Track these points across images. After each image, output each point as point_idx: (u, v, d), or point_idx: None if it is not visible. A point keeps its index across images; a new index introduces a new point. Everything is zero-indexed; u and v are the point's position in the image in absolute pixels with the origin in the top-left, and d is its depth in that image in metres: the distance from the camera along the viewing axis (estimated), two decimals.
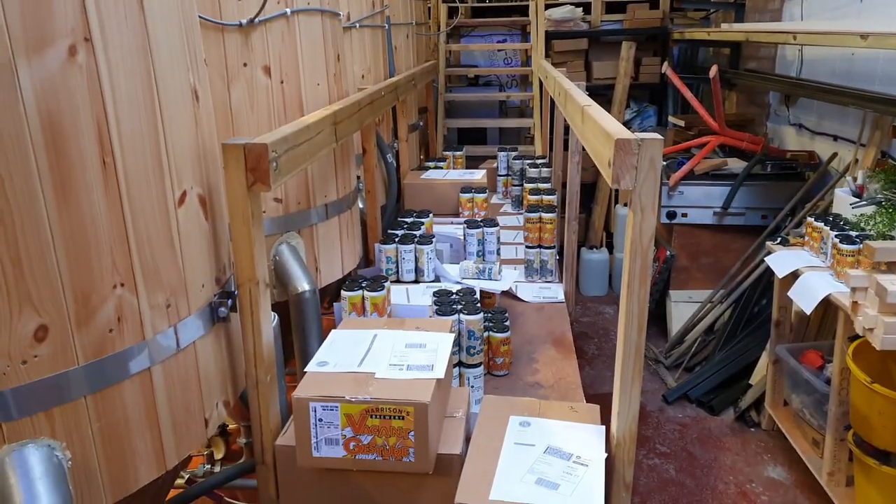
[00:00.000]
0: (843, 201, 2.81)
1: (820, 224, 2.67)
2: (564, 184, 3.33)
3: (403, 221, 2.91)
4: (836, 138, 3.71)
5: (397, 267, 2.58)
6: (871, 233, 2.46)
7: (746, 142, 4.05)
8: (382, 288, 2.12)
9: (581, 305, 4.86)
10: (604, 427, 1.60)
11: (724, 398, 3.43)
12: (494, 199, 4.26)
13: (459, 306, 2.09)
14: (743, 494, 2.77)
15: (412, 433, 1.51)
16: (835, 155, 3.63)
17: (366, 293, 2.10)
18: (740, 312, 3.66)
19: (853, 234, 2.48)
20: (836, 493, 2.48)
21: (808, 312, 2.45)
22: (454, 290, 2.25)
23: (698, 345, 3.81)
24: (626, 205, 4.96)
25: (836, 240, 2.46)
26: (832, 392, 2.47)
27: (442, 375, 1.60)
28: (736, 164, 3.99)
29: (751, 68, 4.61)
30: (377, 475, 1.57)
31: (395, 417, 1.52)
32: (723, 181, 3.88)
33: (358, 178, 2.63)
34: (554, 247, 2.99)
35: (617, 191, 5.16)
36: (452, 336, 1.76)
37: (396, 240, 2.59)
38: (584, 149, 2.05)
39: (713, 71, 3.71)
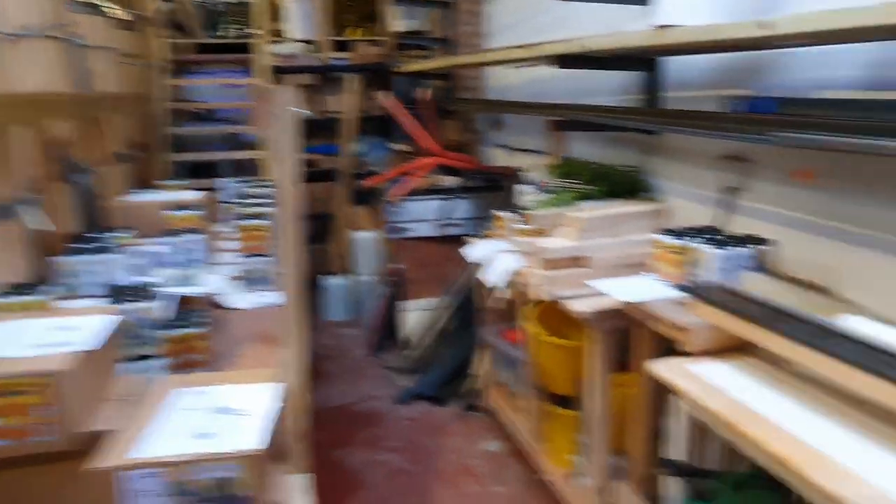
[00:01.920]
0: (525, 194, 3.18)
1: (503, 213, 2.98)
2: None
3: (94, 237, 2.66)
4: (530, 152, 4.22)
5: (80, 279, 2.34)
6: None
7: (461, 161, 4.44)
8: (32, 293, 1.91)
9: (324, 331, 4.84)
10: (282, 385, 1.58)
11: (450, 390, 3.61)
12: (219, 227, 4.09)
13: (130, 297, 1.94)
14: (465, 469, 2.92)
15: (53, 407, 1.34)
16: (530, 167, 4.12)
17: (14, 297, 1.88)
18: (463, 312, 3.92)
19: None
20: (537, 448, 2.72)
21: (501, 287, 2.69)
22: (130, 286, 2.10)
23: (429, 348, 3.98)
24: (362, 230, 5.10)
25: (515, 224, 2.75)
26: (524, 356, 2.72)
27: (88, 349, 1.45)
28: (453, 182, 4.33)
29: (464, 98, 5.10)
30: (21, 471, 1.37)
31: (28, 392, 1.33)
32: (440, 195, 4.17)
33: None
34: (271, 255, 2.94)
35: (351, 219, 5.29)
36: (112, 318, 1.61)
37: (82, 252, 2.36)
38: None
39: (425, 94, 4.02)
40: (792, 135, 1.52)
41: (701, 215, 2.47)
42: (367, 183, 4.48)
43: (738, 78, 2.23)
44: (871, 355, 1.33)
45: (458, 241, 4.34)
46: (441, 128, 5.25)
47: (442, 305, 4.05)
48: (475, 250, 3.04)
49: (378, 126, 5.83)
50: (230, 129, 5.33)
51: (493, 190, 4.23)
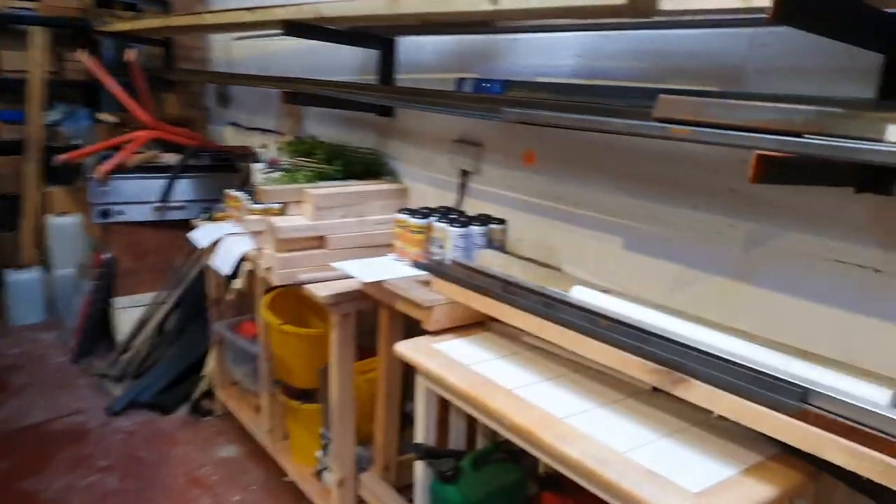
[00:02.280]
0: (257, 173, 2.93)
1: (235, 193, 2.71)
2: None
3: None
4: (264, 131, 3.94)
5: None
6: None
7: (182, 136, 3.97)
8: None
9: (11, 336, 3.99)
10: None
11: (176, 395, 3.21)
12: None
13: None
14: (194, 480, 2.59)
15: None
16: (264, 145, 3.84)
17: None
18: (188, 306, 3.52)
19: None
20: (277, 447, 2.52)
21: (228, 273, 2.42)
22: None
23: (148, 348, 3.50)
24: (61, 214, 4.32)
25: (249, 203, 2.51)
26: (260, 349, 2.50)
27: None
28: (173, 157, 3.85)
29: (186, 69, 4.59)
30: None
31: None
32: (159, 174, 3.68)
33: None
34: None
35: (47, 201, 4.45)
36: None
37: None
38: None
39: (130, 55, 3.49)
40: (514, 111, 1.55)
41: (439, 197, 2.49)
42: (63, 158, 3.78)
43: (468, 62, 2.28)
44: (593, 321, 1.41)
45: (182, 226, 3.89)
46: (159, 100, 4.68)
47: (164, 300, 3.58)
48: (202, 234, 2.71)
49: (83, 92, 4.99)
50: None
51: (223, 170, 3.86)
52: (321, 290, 1.91)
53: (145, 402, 3.15)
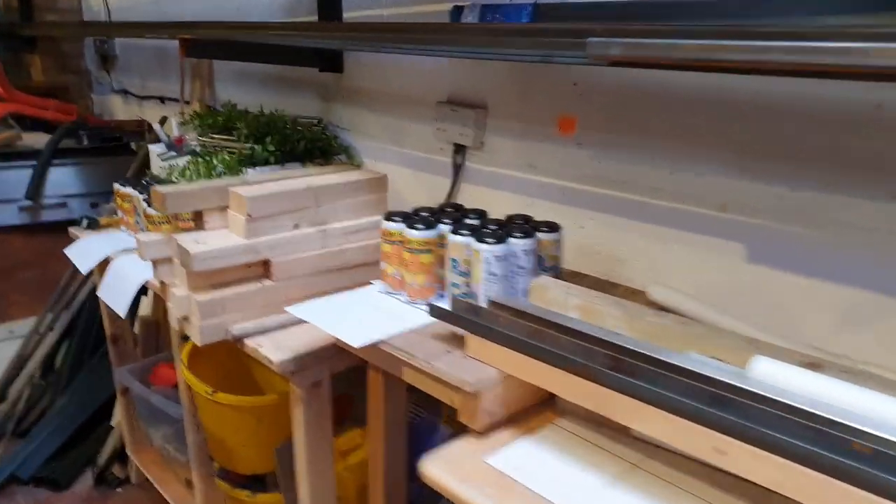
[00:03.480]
0: (156, 158, 2.12)
1: (127, 189, 1.91)
2: None
3: None
4: (163, 100, 3.08)
5: None
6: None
7: (52, 110, 3.05)
8: None
9: None
10: None
11: (75, 461, 2.42)
12: None
13: None
14: None
15: None
16: (165, 119, 2.97)
17: None
18: (83, 336, 2.69)
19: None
20: None
21: (123, 315, 1.66)
22: None
23: (32, 395, 2.67)
24: None
25: (145, 205, 1.73)
26: (185, 414, 1.76)
27: None
28: (40, 139, 2.94)
29: (50, 21, 3.60)
30: None
31: None
32: (23, 161, 2.78)
33: None
34: None
35: None
36: None
37: None
38: None
39: None
40: (618, 41, 0.88)
41: (417, 184, 1.79)
42: None
43: None
44: (825, 439, 0.78)
45: (62, 229, 3.01)
46: (19, 64, 3.68)
47: (46, 329, 2.74)
48: (82, 252, 1.91)
49: None
50: None
51: (113, 153, 2.99)
52: (273, 351, 1.20)
53: (31, 475, 2.35)
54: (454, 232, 1.14)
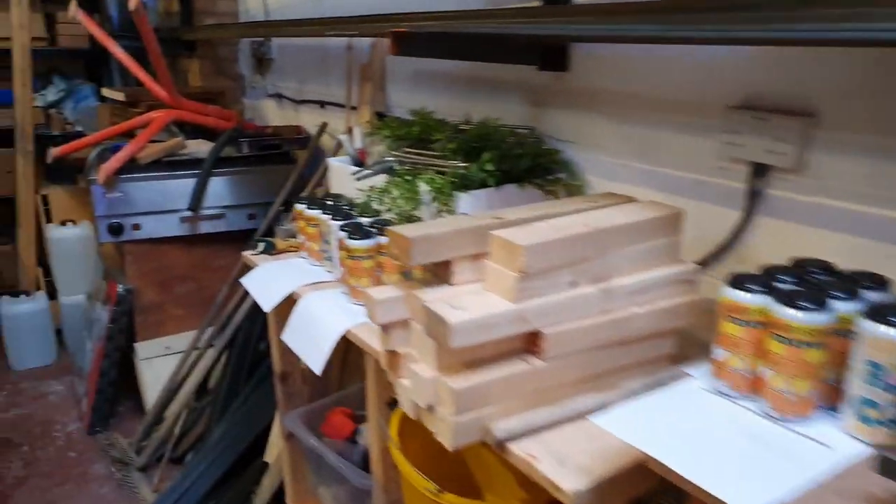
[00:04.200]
0: (342, 175, 1.85)
1: (315, 211, 1.64)
2: None
3: None
4: (323, 104, 2.86)
5: None
6: (393, 216, 1.53)
7: (214, 116, 2.91)
8: None
9: (11, 388, 3.04)
10: None
11: (234, 497, 2.21)
12: None
13: None
14: None
15: None
16: (325, 125, 2.76)
17: None
18: (239, 357, 2.50)
19: (365, 220, 1.53)
20: None
21: (318, 372, 1.38)
22: None
23: (189, 418, 2.51)
24: (65, 223, 3.32)
25: (343, 233, 1.45)
26: (377, 490, 1.47)
27: None
28: (202, 146, 2.79)
29: (211, 24, 3.50)
30: None
31: None
32: (187, 171, 2.64)
33: None
34: None
35: (48, 206, 3.45)
36: None
37: None
38: None
39: (132, 2, 2.41)
40: None
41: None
42: (57, 153, 2.76)
43: None
44: None
45: (219, 240, 2.86)
46: (179, 69, 3.61)
47: (204, 346, 2.58)
48: (263, 285, 1.67)
49: (86, 64, 3.96)
50: None
51: (272, 161, 2.80)
52: (556, 470, 0.86)
53: None
54: (875, 317, 0.74)
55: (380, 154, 1.79)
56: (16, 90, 3.31)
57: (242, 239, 2.78)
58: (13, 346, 3.20)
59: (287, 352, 1.90)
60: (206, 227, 2.72)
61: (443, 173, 1.52)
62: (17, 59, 3.28)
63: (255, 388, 2.43)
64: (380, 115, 2.37)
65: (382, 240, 1.43)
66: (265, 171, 2.75)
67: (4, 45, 3.34)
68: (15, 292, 3.35)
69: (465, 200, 1.45)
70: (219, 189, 2.68)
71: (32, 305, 3.25)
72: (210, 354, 2.54)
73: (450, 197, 1.46)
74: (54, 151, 2.79)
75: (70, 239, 3.25)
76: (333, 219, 1.57)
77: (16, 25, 3.26)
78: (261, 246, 1.83)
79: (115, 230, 2.57)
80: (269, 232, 2.63)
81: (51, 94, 3.66)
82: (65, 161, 2.87)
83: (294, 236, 1.84)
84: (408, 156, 1.64)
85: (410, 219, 1.49)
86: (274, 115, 3.34)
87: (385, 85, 2.41)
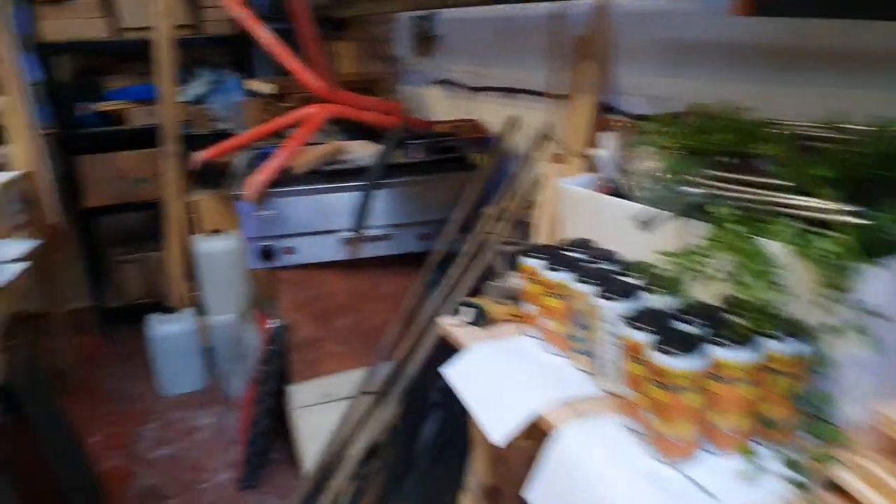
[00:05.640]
0: (584, 208, 1.23)
1: (562, 276, 1.04)
2: None
3: None
4: (509, 91, 2.26)
5: None
6: (719, 299, 0.90)
7: (375, 111, 2.40)
8: None
9: (158, 417, 2.76)
10: None
11: None
12: None
13: None
14: None
15: None
16: (516, 119, 2.16)
17: None
18: (415, 414, 2.00)
19: (662, 303, 0.91)
20: None
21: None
22: None
23: (355, 489, 2.04)
24: (213, 233, 2.98)
25: (641, 335, 0.83)
26: None
27: None
28: (364, 150, 2.29)
29: None
30: None
31: None
32: (347, 182, 2.14)
33: None
34: None
35: (194, 214, 3.13)
36: None
37: None
38: None
39: None
40: None
41: None
42: (202, 158, 2.37)
43: None
44: None
45: (387, 266, 2.38)
46: (329, 54, 3.14)
47: (373, 388, 2.09)
48: (475, 382, 1.10)
49: (231, 52, 3.62)
50: None
51: (446, 169, 2.24)
52: None
53: None
54: None
55: (651, 175, 1.15)
56: (160, 86, 2.99)
57: (412, 263, 2.27)
58: (163, 370, 2.93)
59: (499, 459, 1.34)
60: (369, 250, 2.22)
61: (809, 221, 0.86)
62: (162, 51, 2.95)
63: (438, 459, 1.91)
64: (607, 108, 1.72)
65: (723, 355, 0.80)
66: (439, 182, 2.21)
67: (145, 36, 3.03)
68: (163, 309, 3.08)
69: (878, 280, 0.78)
70: (385, 204, 2.16)
71: (181, 326, 2.96)
72: (383, 406, 2.05)
73: (845, 271, 0.80)
74: (199, 157, 2.41)
75: (219, 252, 2.91)
76: (604, 296, 0.96)
77: (159, 13, 2.92)
78: (467, 313, 1.26)
79: (266, 254, 2.13)
80: (447, 259, 2.09)
81: (196, 88, 3.34)
82: (211, 164, 2.50)
83: (514, 298, 1.26)
84: (726, 186, 0.99)
85: (765, 314, 0.84)
86: (440, 105, 2.79)
87: (609, 66, 1.76)
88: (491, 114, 2.36)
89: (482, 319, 1.24)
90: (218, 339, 2.98)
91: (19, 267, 1.90)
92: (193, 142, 3.08)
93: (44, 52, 3.05)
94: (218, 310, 2.96)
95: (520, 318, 1.22)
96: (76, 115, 3.19)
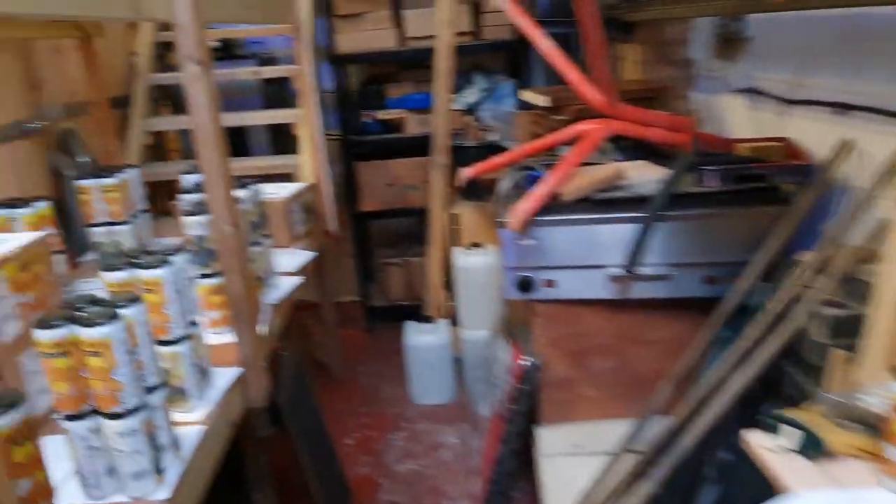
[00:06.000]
0: None
1: None
2: None
3: None
4: (841, 107, 1.76)
5: None
6: None
7: (663, 127, 2.06)
8: None
9: (408, 425, 2.78)
10: None
11: None
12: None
13: None
14: None
15: None
16: (846, 145, 1.67)
17: None
18: (683, 479, 1.66)
19: None
20: None
21: None
22: None
23: None
24: (472, 247, 2.91)
25: None
26: None
27: None
28: (646, 175, 1.98)
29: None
30: None
31: None
32: (622, 212, 1.85)
33: None
34: None
35: (457, 226, 3.10)
36: None
37: None
38: None
39: None
40: None
41: None
42: (469, 175, 2.28)
43: None
44: None
45: (660, 309, 2.05)
46: (612, 60, 2.87)
47: (638, 447, 1.80)
48: None
49: (507, 58, 3.54)
50: (267, 71, 3.25)
51: (750, 201, 1.83)
52: None
53: None
54: None
55: None
56: (436, 94, 3.00)
57: (692, 309, 1.91)
58: (415, 379, 2.95)
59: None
60: (641, 290, 1.92)
61: None
62: (441, 61, 2.94)
63: None
64: None
65: None
66: (738, 216, 1.81)
67: (427, 45, 3.05)
68: (421, 315, 3.11)
69: None
70: (666, 239, 1.84)
71: (436, 338, 2.94)
72: (653, 470, 1.75)
73: None
74: (465, 174, 2.32)
75: (476, 267, 2.83)
76: None
77: (442, 22, 2.92)
78: (789, 435, 0.91)
79: (524, 286, 1.95)
80: (743, 311, 1.70)
81: (470, 96, 3.31)
82: (476, 179, 2.40)
83: (866, 424, 0.88)
84: None
85: None
86: (740, 119, 2.34)
87: None
88: (811, 134, 1.89)
89: (814, 449, 0.88)
90: (469, 353, 2.92)
91: (295, 282, 1.98)
92: (461, 153, 3.04)
93: (337, 63, 3.25)
94: (471, 324, 2.89)
95: (875, 458, 0.85)
96: (361, 122, 3.36)
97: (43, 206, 1.70)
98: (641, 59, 2.74)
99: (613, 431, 1.99)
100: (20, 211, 1.65)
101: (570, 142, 2.00)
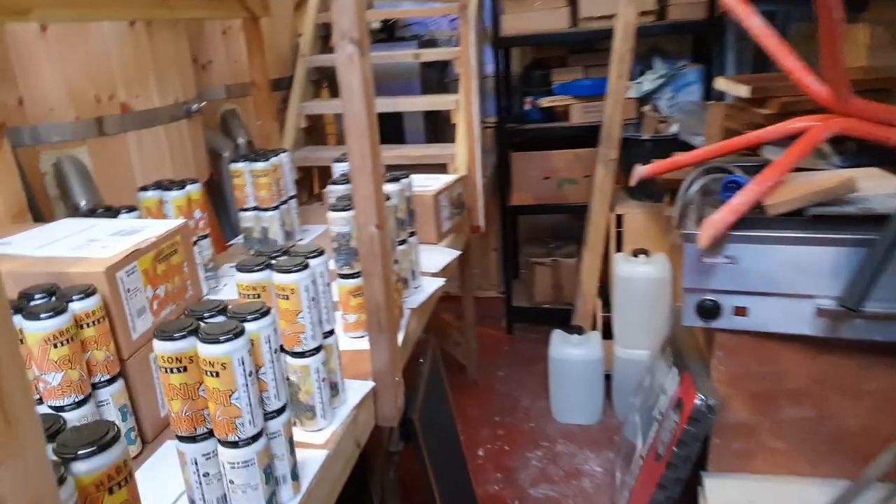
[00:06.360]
0: None
1: None
2: None
3: None
4: None
5: None
6: None
7: None
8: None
9: (543, 444, 2.55)
10: None
11: None
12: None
13: None
14: None
15: None
16: None
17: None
18: None
19: None
20: None
21: None
22: None
23: None
24: (637, 253, 2.59)
25: None
26: None
27: None
28: (882, 187, 1.57)
29: None
30: None
31: None
32: (846, 231, 1.48)
33: None
34: None
35: (620, 228, 2.79)
36: None
37: None
38: None
39: None
40: None
41: None
42: (645, 174, 1.98)
43: None
44: None
45: (874, 352, 1.63)
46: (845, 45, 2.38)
47: None
48: None
49: (693, 41, 3.15)
50: (428, 53, 3.11)
51: None
52: None
53: None
54: None
55: None
56: (610, 81, 2.69)
57: None
58: (558, 392, 2.70)
59: None
60: (858, 330, 1.53)
61: None
62: (618, 43, 2.63)
63: None
64: None
65: None
66: None
67: (602, 26, 2.75)
68: (569, 323, 2.84)
69: None
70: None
71: (586, 352, 2.65)
72: None
73: None
74: (640, 172, 2.02)
75: (640, 278, 2.51)
76: None
77: (627, 3, 2.60)
78: None
79: (708, 312, 1.63)
80: None
81: (647, 83, 2.96)
82: (650, 180, 2.09)
83: None
84: None
85: None
86: None
87: None
88: None
89: None
90: (622, 373, 2.62)
91: (438, 284, 1.81)
92: (633, 147, 2.72)
93: (501, 45, 3.04)
94: (628, 341, 2.58)
95: None
96: (522, 109, 3.13)
97: (193, 189, 1.65)
98: (872, 42, 2.25)
99: (800, 492, 1.66)
100: (171, 194, 1.61)
101: (780, 141, 1.64)
